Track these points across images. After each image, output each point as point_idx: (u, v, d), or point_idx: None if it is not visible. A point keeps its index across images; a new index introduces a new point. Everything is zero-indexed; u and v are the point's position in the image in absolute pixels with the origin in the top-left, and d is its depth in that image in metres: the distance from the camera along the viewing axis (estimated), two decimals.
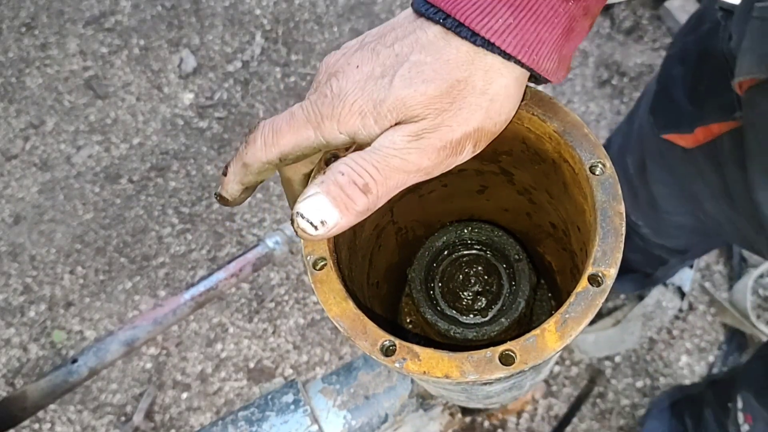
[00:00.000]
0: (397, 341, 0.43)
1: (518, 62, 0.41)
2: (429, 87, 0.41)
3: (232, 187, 0.48)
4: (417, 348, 0.43)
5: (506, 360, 0.42)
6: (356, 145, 0.45)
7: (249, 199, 1.89)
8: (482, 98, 0.42)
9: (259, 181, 0.49)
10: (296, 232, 0.42)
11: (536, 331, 0.42)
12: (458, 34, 0.41)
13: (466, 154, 0.44)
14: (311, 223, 0.41)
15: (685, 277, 1.65)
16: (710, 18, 0.89)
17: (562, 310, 0.42)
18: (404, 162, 0.42)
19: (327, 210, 0.41)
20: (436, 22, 0.41)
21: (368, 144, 0.43)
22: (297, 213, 0.42)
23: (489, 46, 0.40)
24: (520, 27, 0.40)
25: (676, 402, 1.51)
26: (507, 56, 0.41)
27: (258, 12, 2.25)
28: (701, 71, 0.87)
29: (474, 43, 0.41)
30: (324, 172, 0.42)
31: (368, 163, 0.41)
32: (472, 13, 0.40)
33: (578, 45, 0.44)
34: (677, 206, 1.11)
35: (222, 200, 0.50)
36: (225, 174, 0.48)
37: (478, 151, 0.45)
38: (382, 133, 0.43)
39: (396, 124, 0.42)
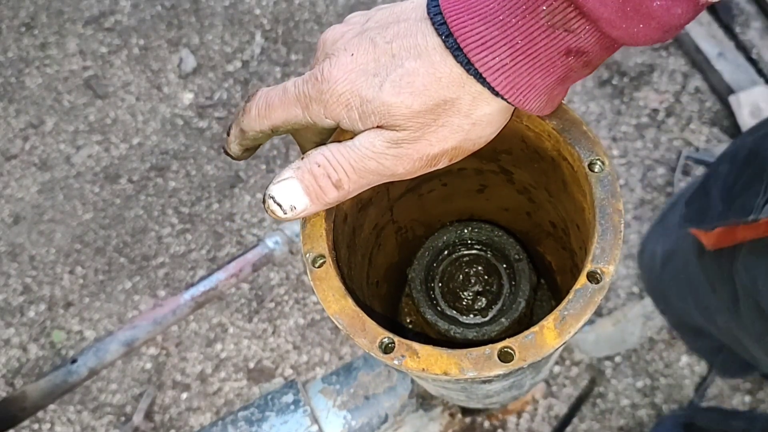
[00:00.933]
0: (396, 338, 0.43)
1: (505, 99, 0.42)
2: (416, 101, 0.41)
3: (233, 147, 0.51)
4: (416, 345, 0.43)
5: (505, 357, 0.42)
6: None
7: (249, 199, 1.86)
8: (465, 121, 0.42)
9: (256, 145, 0.51)
10: (266, 211, 0.44)
11: (535, 328, 0.42)
12: (455, 57, 0.41)
13: (441, 165, 0.45)
14: (281, 207, 0.44)
15: None
16: None
17: (560, 307, 0.42)
18: (379, 166, 0.43)
19: (298, 196, 0.44)
20: (439, 35, 0.41)
21: (351, 132, 0.44)
22: (269, 195, 0.44)
23: (480, 78, 0.41)
24: (515, 70, 0.40)
25: (690, 426, 1.46)
26: (495, 92, 0.41)
27: (258, 12, 2.25)
28: (744, 171, 0.85)
29: (467, 71, 0.41)
30: (302, 158, 0.44)
31: (345, 160, 0.43)
32: (473, 42, 0.40)
33: (572, 84, 0.44)
34: (695, 304, 1.05)
35: (227, 155, 0.52)
36: (228, 134, 0.51)
37: (454, 162, 0.46)
38: (365, 129, 0.43)
39: (379, 126, 0.43)
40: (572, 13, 0.38)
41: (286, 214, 0.44)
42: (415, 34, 0.42)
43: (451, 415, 0.90)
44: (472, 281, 0.70)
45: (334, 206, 0.51)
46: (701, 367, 1.63)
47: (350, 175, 0.43)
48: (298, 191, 0.44)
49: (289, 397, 0.77)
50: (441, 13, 0.41)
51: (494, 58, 0.40)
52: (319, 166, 0.43)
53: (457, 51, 0.40)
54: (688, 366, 1.64)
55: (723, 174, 0.89)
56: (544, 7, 0.38)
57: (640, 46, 0.41)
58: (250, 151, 0.52)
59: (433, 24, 0.41)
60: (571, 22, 0.38)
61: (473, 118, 0.43)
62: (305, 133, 0.51)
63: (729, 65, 1.88)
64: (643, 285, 1.27)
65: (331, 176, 0.43)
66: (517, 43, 0.39)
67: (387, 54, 0.42)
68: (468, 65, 0.40)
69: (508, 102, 0.42)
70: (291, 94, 0.45)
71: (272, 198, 0.44)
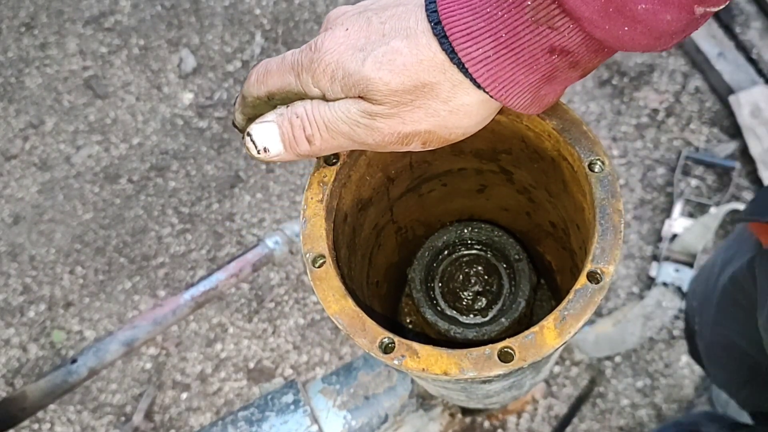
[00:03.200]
0: (396, 338, 0.43)
1: (486, 92, 0.42)
2: (394, 79, 0.42)
3: (237, 116, 0.52)
4: (416, 345, 0.43)
5: (505, 357, 0.42)
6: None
7: (249, 199, 1.86)
8: (442, 107, 0.43)
9: (257, 114, 0.52)
10: (244, 147, 0.48)
11: (535, 328, 0.42)
12: (441, 44, 0.41)
13: (414, 147, 0.46)
14: (255, 145, 0.47)
15: (685, 277, 1.65)
16: None
17: (560, 307, 0.42)
18: (351, 132, 0.45)
19: (273, 140, 0.47)
20: (429, 21, 0.42)
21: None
22: (248, 133, 0.47)
23: (463, 68, 0.41)
24: (497, 63, 0.40)
25: None
26: (477, 84, 0.41)
27: (258, 12, 2.25)
28: None
29: (451, 60, 0.41)
30: (288, 106, 0.47)
31: (321, 119, 0.45)
32: (458, 31, 0.40)
33: (566, 87, 0.44)
34: (732, 317, 1.01)
35: (234, 126, 0.54)
36: (234, 104, 0.52)
37: (429, 149, 0.47)
38: (346, 98, 0.45)
39: (359, 96, 0.44)
40: (555, 11, 0.38)
41: (258, 154, 0.47)
42: (408, 18, 0.43)
43: (451, 415, 0.90)
44: (472, 281, 0.70)
45: (335, 206, 0.51)
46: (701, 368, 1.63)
47: (323, 133, 0.45)
48: (274, 135, 0.47)
49: (289, 397, 0.77)
50: (435, 2, 0.42)
51: (478, 49, 0.40)
52: (297, 117, 0.46)
53: (443, 38, 0.41)
54: (688, 366, 1.64)
55: None
56: (529, 2, 0.38)
57: (632, 51, 0.40)
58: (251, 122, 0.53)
59: (426, 10, 0.42)
60: (555, 19, 0.38)
61: (451, 105, 0.43)
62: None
63: (729, 65, 1.88)
64: (690, 304, 1.22)
65: (305, 129, 0.46)
66: (501, 36, 0.39)
67: (378, 33, 0.43)
68: (452, 54, 0.41)
69: (489, 95, 0.42)
70: (287, 61, 0.47)
71: (250, 135, 0.47)
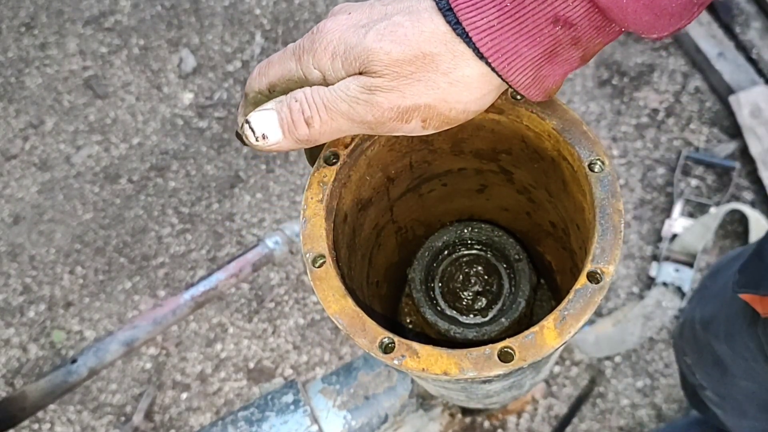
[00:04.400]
0: (396, 338, 0.43)
1: (488, 64, 0.42)
2: (395, 48, 0.42)
3: (239, 120, 0.52)
4: (416, 345, 0.43)
5: (505, 357, 0.42)
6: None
7: (249, 199, 1.85)
8: (442, 78, 0.43)
9: None
10: (242, 136, 0.47)
11: (535, 328, 0.42)
12: (444, 16, 0.41)
13: (414, 127, 0.45)
14: (254, 133, 0.46)
15: (685, 277, 1.65)
16: None
17: (561, 307, 0.42)
18: (350, 110, 0.44)
19: (272, 127, 0.46)
20: None
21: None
22: (246, 120, 0.47)
23: (466, 38, 0.41)
24: (501, 32, 0.40)
25: None
26: (480, 54, 0.41)
27: (258, 12, 2.25)
28: None
29: (455, 30, 0.41)
30: (287, 95, 0.46)
31: (320, 100, 0.45)
32: (464, 3, 0.41)
33: (566, 72, 0.44)
34: (745, 370, 0.99)
35: (239, 138, 0.54)
36: (237, 111, 0.53)
37: (431, 131, 0.46)
38: (347, 77, 0.45)
39: (359, 74, 0.44)
40: None
41: (257, 141, 0.46)
42: (410, 0, 0.43)
43: (451, 415, 0.90)
44: (472, 281, 0.70)
45: (335, 206, 0.51)
46: None
47: (322, 114, 0.45)
48: (273, 122, 0.46)
49: (289, 397, 0.77)
50: None
51: (482, 19, 0.40)
52: (296, 101, 0.45)
53: (447, 11, 0.41)
54: None
55: None
56: None
57: (633, 29, 0.40)
58: None
59: None
60: None
61: (452, 77, 0.43)
62: None
63: (729, 65, 1.88)
64: (681, 359, 1.20)
65: (304, 112, 0.45)
66: (506, 5, 0.40)
67: (380, 12, 0.44)
68: (456, 24, 0.41)
69: (491, 67, 0.42)
70: (289, 50, 0.47)
71: (248, 123, 0.46)
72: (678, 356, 1.21)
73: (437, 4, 0.42)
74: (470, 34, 0.41)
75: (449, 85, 0.43)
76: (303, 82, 0.47)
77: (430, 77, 0.43)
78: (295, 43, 0.47)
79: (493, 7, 0.40)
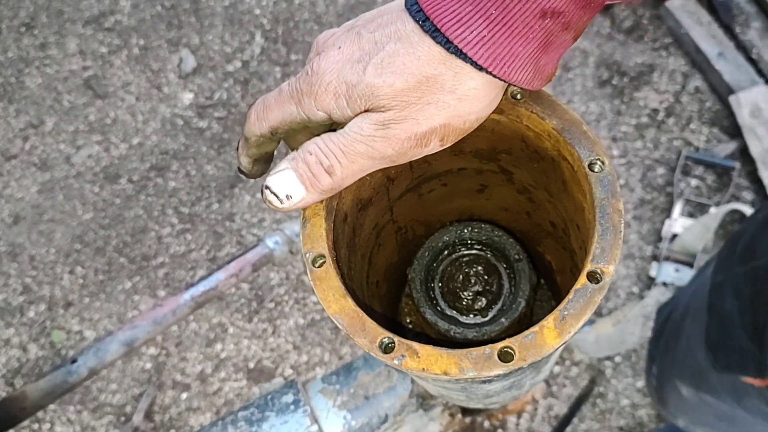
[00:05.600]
0: (396, 338, 0.43)
1: (489, 73, 0.42)
2: (397, 80, 0.42)
3: (242, 160, 0.52)
4: (416, 345, 0.43)
5: (505, 357, 0.42)
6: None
7: (249, 199, 1.86)
8: (450, 96, 0.43)
9: (262, 153, 0.52)
10: (265, 203, 0.45)
11: (535, 328, 0.42)
12: (434, 38, 0.41)
13: (433, 147, 0.45)
14: (277, 197, 0.45)
15: (685, 277, 1.65)
16: (763, 250, 0.80)
17: (560, 306, 0.42)
18: (369, 149, 0.44)
19: (294, 185, 0.45)
20: (416, 21, 0.42)
21: (343, 124, 0.45)
22: (266, 186, 0.46)
23: (461, 54, 0.41)
24: (494, 41, 0.40)
25: None
26: (479, 66, 0.42)
27: (258, 12, 2.25)
28: (758, 309, 0.79)
29: (447, 49, 0.41)
30: (299, 149, 0.45)
31: (336, 146, 0.44)
32: (449, 21, 0.40)
33: (561, 55, 0.44)
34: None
35: (242, 173, 0.53)
36: (237, 149, 0.52)
37: (448, 145, 0.46)
38: (354, 116, 0.44)
39: (367, 111, 0.43)
40: None
41: (282, 203, 0.46)
42: (395, 22, 0.43)
43: (451, 415, 0.90)
44: (472, 281, 0.70)
45: (334, 206, 0.51)
46: None
47: (341, 160, 0.44)
48: (293, 180, 0.45)
49: (289, 397, 0.77)
50: (416, 3, 0.42)
51: (472, 32, 0.40)
52: (311, 154, 0.45)
53: (435, 33, 0.41)
54: None
55: (735, 312, 0.84)
56: None
57: (617, 0, 0.40)
58: (260, 164, 0.53)
59: (409, 12, 0.42)
60: None
61: (458, 93, 0.43)
62: (301, 138, 0.51)
63: (729, 65, 1.88)
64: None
65: (323, 163, 0.44)
66: (492, 13, 0.40)
67: (370, 42, 0.43)
68: (448, 44, 0.41)
69: (492, 75, 0.42)
70: (285, 93, 0.46)
71: (269, 188, 0.45)
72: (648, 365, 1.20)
73: (421, 26, 0.41)
74: (464, 50, 0.41)
75: (458, 101, 0.43)
76: (307, 123, 0.46)
77: (438, 98, 0.43)
78: (290, 86, 0.46)
79: (479, 18, 0.40)
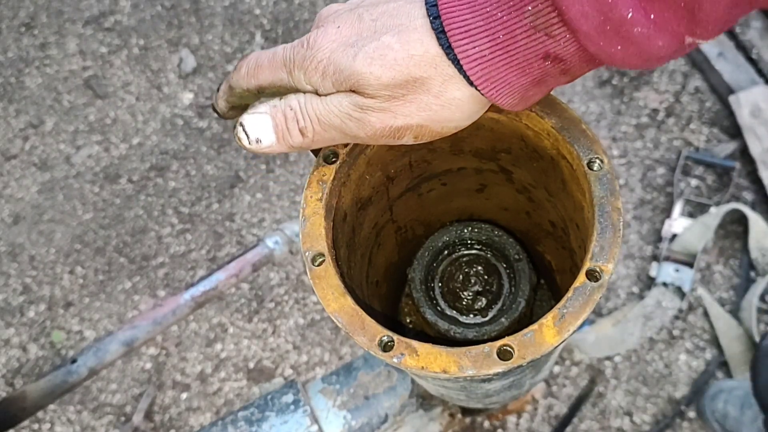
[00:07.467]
0: (396, 336, 0.43)
1: (478, 90, 0.42)
2: (385, 73, 0.42)
3: (220, 103, 0.53)
4: (415, 343, 0.43)
5: (504, 355, 0.42)
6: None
7: (249, 199, 1.85)
8: (434, 101, 0.43)
9: (242, 104, 0.52)
10: (234, 138, 0.48)
11: (534, 326, 0.42)
12: (438, 39, 0.42)
13: (406, 141, 0.46)
14: (248, 136, 0.47)
15: (685, 277, 1.65)
16: None
17: (560, 305, 0.42)
18: (343, 125, 0.45)
19: (266, 132, 0.47)
20: (427, 16, 0.42)
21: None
22: (240, 123, 0.47)
23: (457, 64, 0.41)
24: (492, 63, 0.41)
25: None
26: (469, 81, 0.42)
27: (258, 12, 2.25)
28: None
29: (447, 55, 0.42)
30: (281, 99, 0.47)
31: (314, 112, 0.46)
32: (457, 28, 0.41)
33: (550, 90, 0.45)
34: None
35: (215, 111, 0.54)
36: (217, 90, 0.53)
37: (422, 142, 0.47)
38: (338, 92, 0.45)
39: (351, 90, 0.44)
40: (555, 19, 0.38)
41: (250, 144, 0.47)
42: (400, 15, 0.43)
43: (451, 415, 0.90)
44: (472, 281, 0.70)
45: (334, 205, 0.51)
46: (699, 364, 1.63)
47: (315, 126, 0.46)
48: (267, 127, 0.47)
49: (289, 397, 0.77)
50: (436, 1, 0.42)
51: (474, 47, 0.40)
52: (291, 109, 0.46)
53: (440, 33, 0.41)
54: (687, 366, 1.64)
55: None
56: (530, 8, 0.38)
57: (620, 68, 0.41)
58: (236, 110, 0.54)
59: (426, 4, 0.42)
60: (553, 27, 0.38)
61: (442, 99, 0.43)
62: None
63: (729, 65, 1.88)
64: None
65: (299, 122, 0.46)
66: (499, 37, 0.40)
67: (370, 29, 0.44)
68: (448, 49, 0.41)
69: (480, 92, 0.42)
70: (279, 58, 0.47)
71: (242, 126, 0.47)
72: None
73: (431, 24, 0.42)
74: (461, 62, 0.41)
75: (440, 107, 0.44)
76: (293, 90, 0.47)
77: (421, 99, 0.43)
78: (284, 52, 0.47)
79: (486, 36, 0.40)
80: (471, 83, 0.42)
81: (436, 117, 0.44)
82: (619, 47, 0.38)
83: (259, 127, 0.47)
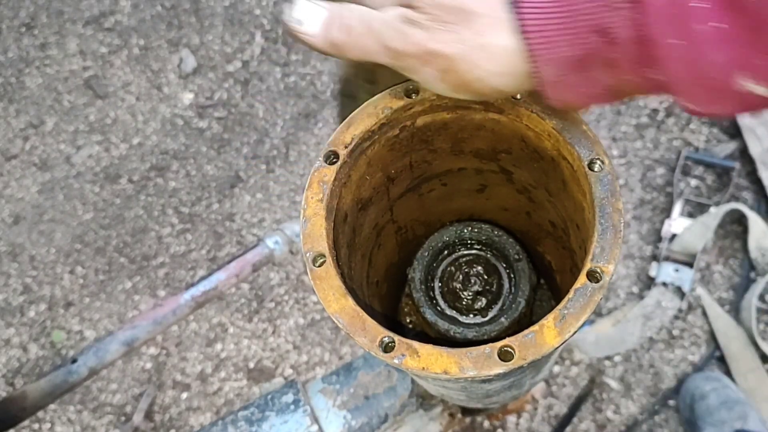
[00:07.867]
0: (396, 337, 0.43)
1: (524, 39, 0.42)
2: None
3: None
4: (416, 344, 0.43)
5: (505, 356, 0.42)
6: None
7: (249, 199, 1.84)
8: (475, 38, 0.43)
9: None
10: (284, 12, 0.48)
11: (535, 327, 0.42)
12: None
13: (431, 74, 0.46)
14: (293, 16, 0.47)
15: (685, 277, 1.65)
16: None
17: (560, 306, 0.42)
18: (382, 32, 0.45)
19: (314, 18, 0.47)
20: None
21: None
22: (295, 1, 0.47)
23: (514, 8, 0.42)
24: (547, 17, 0.41)
25: None
26: (519, 30, 0.42)
27: (258, 12, 2.25)
28: None
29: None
30: (342, 2, 0.47)
31: (360, 14, 0.46)
32: None
33: (588, 95, 0.44)
34: None
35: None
36: None
37: (445, 91, 0.47)
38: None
39: (405, 5, 0.45)
40: None
41: (290, 23, 0.47)
42: None
43: (451, 415, 0.90)
44: (472, 281, 0.70)
45: (335, 206, 0.51)
46: (698, 363, 1.63)
47: (358, 27, 0.46)
48: (318, 14, 0.46)
49: (289, 397, 0.77)
50: None
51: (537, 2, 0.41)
52: (346, 9, 0.46)
53: None
54: (687, 365, 1.64)
55: None
56: None
57: (666, 82, 0.40)
58: None
59: None
60: (618, 2, 0.38)
61: (483, 40, 0.43)
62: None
63: None
64: None
65: (344, 17, 0.46)
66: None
67: None
68: None
69: (525, 43, 0.42)
70: None
71: (297, 4, 0.47)
72: None
73: None
74: (520, 3, 0.41)
75: (478, 47, 0.43)
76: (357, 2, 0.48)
77: (464, 33, 0.43)
78: None
79: (553, 5, 0.40)
80: (520, 33, 0.42)
81: (469, 57, 0.44)
82: (676, 40, 0.37)
83: (310, 13, 0.47)
